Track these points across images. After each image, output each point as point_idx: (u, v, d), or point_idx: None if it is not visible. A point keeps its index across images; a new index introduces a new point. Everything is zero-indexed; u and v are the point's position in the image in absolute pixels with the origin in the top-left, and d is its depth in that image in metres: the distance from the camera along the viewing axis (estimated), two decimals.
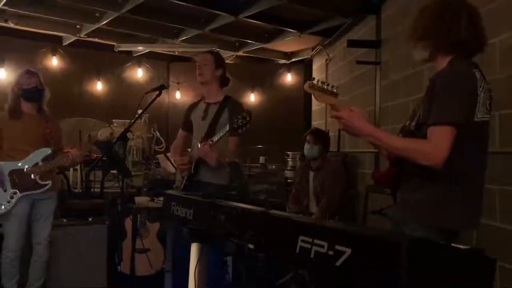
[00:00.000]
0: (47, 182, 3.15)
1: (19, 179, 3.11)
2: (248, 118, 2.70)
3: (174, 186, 3.31)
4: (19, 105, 3.20)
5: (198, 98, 3.30)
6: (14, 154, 3.13)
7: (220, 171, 2.99)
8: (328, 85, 1.80)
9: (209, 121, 3.02)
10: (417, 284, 0.99)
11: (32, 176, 3.12)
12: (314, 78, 1.79)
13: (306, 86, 1.79)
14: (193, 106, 3.25)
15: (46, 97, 3.28)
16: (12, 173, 3.11)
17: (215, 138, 2.83)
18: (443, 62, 1.75)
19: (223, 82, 3.13)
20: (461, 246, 1.13)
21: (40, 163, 3.15)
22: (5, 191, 3.09)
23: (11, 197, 3.08)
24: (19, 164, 3.12)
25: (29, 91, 3.18)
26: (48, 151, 3.17)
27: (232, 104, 3.02)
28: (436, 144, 1.60)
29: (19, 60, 6.35)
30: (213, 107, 3.06)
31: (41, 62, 6.85)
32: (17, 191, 3.10)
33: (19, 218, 3.11)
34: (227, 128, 2.76)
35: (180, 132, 3.33)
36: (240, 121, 2.69)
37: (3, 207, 3.06)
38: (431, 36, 1.75)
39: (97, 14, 5.64)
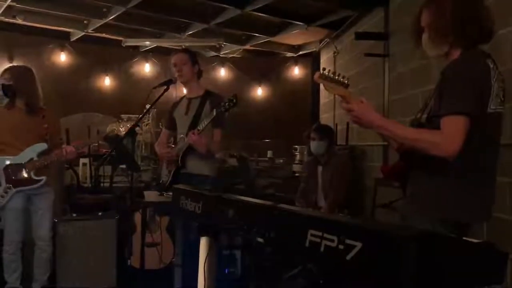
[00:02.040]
0: (41, 178, 3.14)
1: (13, 174, 3.10)
2: (235, 100, 2.77)
3: (160, 181, 3.33)
4: (11, 100, 3.19)
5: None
6: (7, 150, 3.11)
7: (207, 162, 3.06)
8: (338, 75, 1.77)
9: (192, 115, 3.09)
10: (426, 278, 0.98)
11: (27, 171, 3.11)
12: (324, 69, 1.76)
13: (316, 76, 1.77)
14: (175, 105, 3.32)
15: (23, 93, 3.16)
16: (7, 168, 3.10)
17: (201, 126, 2.92)
18: (455, 54, 1.73)
19: (199, 75, 3.23)
20: (472, 240, 1.12)
21: (36, 158, 3.13)
22: None
23: (5, 192, 3.08)
24: (15, 159, 3.11)
25: None
26: (44, 146, 3.16)
27: (213, 97, 3.09)
28: (449, 135, 1.57)
29: (27, 56, 6.40)
30: (195, 101, 3.13)
31: (49, 58, 6.89)
32: (12, 186, 3.09)
33: (15, 212, 3.12)
34: (214, 113, 2.84)
35: (164, 131, 3.42)
36: (227, 103, 2.77)
37: None
38: (454, 32, 1.70)
39: (104, 9, 5.65)
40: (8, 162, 3.11)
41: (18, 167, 3.11)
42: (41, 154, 3.15)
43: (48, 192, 3.26)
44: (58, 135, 3.39)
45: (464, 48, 1.71)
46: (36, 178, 3.14)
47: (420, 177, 1.75)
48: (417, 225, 1.66)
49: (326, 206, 3.96)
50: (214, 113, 2.84)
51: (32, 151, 3.14)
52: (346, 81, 1.77)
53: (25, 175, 3.11)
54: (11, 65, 3.33)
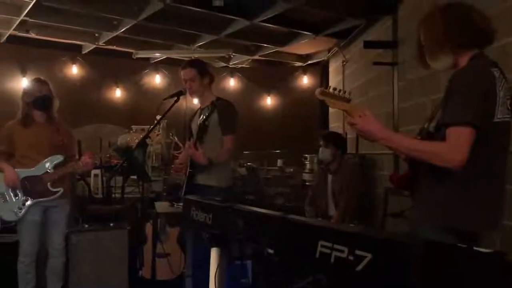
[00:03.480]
0: (58, 189, 3.18)
1: (31, 186, 3.14)
2: (211, 107, 2.89)
3: (179, 193, 3.39)
4: (31, 113, 3.23)
5: None
6: (25, 162, 3.17)
7: (218, 172, 3.02)
8: (340, 91, 1.80)
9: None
10: None
11: (44, 183, 3.15)
12: (325, 86, 1.80)
13: (317, 93, 1.80)
14: (192, 117, 3.35)
15: (56, 106, 3.30)
16: (24, 180, 3.14)
17: (194, 137, 2.96)
18: (462, 62, 1.74)
19: (211, 82, 3.21)
20: (480, 249, 1.11)
21: (52, 171, 3.18)
22: (17, 198, 3.14)
23: (23, 204, 3.12)
24: (31, 171, 3.16)
25: (41, 99, 3.20)
26: (60, 158, 3.21)
27: (221, 105, 3.08)
28: (455, 146, 1.57)
29: (40, 69, 6.50)
30: (205, 111, 3.14)
31: (61, 71, 7.00)
32: (29, 198, 3.13)
33: (32, 224, 3.15)
34: (200, 122, 2.91)
35: (187, 143, 3.43)
36: (208, 111, 2.88)
37: (15, 214, 3.12)
38: (452, 39, 1.72)
39: (114, 22, 5.73)
40: (25, 175, 3.16)
41: (35, 179, 3.16)
42: (57, 166, 3.20)
43: (65, 204, 3.30)
44: (72, 147, 3.44)
45: (468, 54, 1.72)
46: (53, 189, 3.18)
47: (427, 185, 1.74)
48: (424, 233, 1.66)
49: (337, 215, 3.95)
50: (201, 122, 2.90)
51: (48, 163, 3.19)
52: (347, 96, 1.79)
53: (43, 187, 3.16)
54: (41, 77, 3.37)
